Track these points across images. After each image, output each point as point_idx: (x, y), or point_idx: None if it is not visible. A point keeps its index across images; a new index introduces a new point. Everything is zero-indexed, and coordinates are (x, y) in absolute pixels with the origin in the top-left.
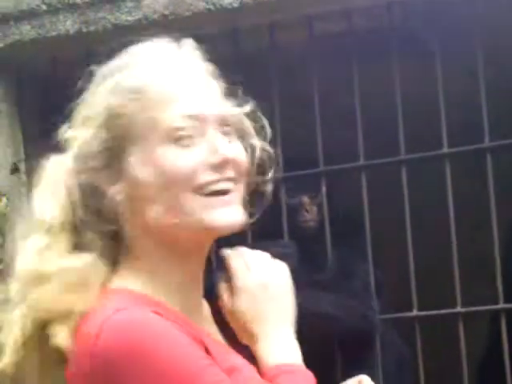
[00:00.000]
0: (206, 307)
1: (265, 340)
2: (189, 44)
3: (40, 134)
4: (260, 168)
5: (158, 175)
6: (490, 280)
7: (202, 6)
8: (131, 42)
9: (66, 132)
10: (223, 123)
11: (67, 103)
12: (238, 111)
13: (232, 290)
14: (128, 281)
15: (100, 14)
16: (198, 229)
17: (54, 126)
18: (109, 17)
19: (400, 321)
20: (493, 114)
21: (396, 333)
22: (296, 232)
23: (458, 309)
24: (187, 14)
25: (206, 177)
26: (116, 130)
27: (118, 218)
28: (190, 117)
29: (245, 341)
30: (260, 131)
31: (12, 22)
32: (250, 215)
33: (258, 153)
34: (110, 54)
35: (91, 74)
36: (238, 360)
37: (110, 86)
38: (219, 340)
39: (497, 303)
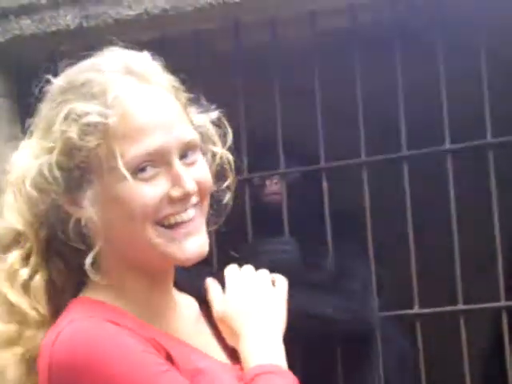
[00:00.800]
0: (192, 308)
1: (248, 340)
2: (147, 59)
3: None
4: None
5: (119, 209)
6: (492, 277)
7: (203, 0)
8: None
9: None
10: (185, 147)
11: None
12: (202, 121)
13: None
14: (91, 291)
15: (101, 9)
16: (162, 260)
17: None
18: (110, 11)
19: (401, 318)
20: (495, 110)
21: (397, 330)
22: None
23: (460, 306)
24: (189, 8)
25: (167, 210)
26: (76, 159)
27: (82, 237)
28: (152, 152)
29: (230, 342)
30: (223, 137)
31: (12, 17)
32: (215, 221)
33: (218, 160)
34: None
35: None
36: (205, 362)
37: (69, 115)
38: (189, 343)
39: (498, 301)
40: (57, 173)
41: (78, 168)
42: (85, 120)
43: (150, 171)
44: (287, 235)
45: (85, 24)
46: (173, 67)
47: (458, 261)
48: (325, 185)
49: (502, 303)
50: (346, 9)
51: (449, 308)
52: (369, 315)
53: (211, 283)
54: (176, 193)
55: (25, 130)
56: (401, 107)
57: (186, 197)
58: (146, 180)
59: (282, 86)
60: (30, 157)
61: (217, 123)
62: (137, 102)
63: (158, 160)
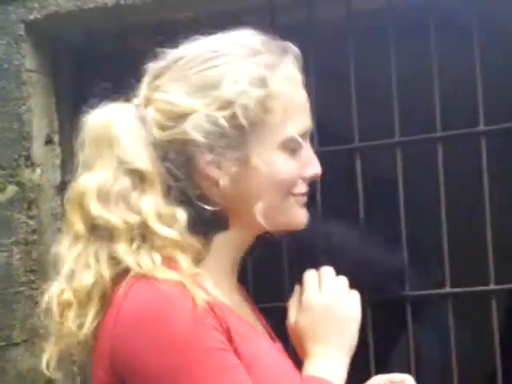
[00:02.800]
0: (243, 291)
1: (315, 360)
2: (294, 52)
3: (74, 107)
4: None
5: (271, 176)
6: None
7: None
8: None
9: (181, 98)
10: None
11: (102, 76)
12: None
13: (300, 304)
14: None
15: None
16: (286, 226)
17: (88, 99)
18: None
19: (432, 297)
20: None
21: (428, 310)
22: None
23: (491, 286)
24: None
25: (303, 188)
26: (242, 120)
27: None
28: (306, 130)
29: (300, 355)
30: None
31: None
32: None
33: None
34: (145, 28)
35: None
36: (263, 344)
37: (247, 75)
38: (250, 322)
39: None
40: (214, 127)
41: (241, 128)
42: (261, 87)
43: (297, 150)
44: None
45: (122, 2)
46: None
47: (489, 241)
48: (358, 164)
49: None
50: None
51: (481, 288)
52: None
53: (314, 272)
54: (310, 174)
55: (59, 104)
56: (435, 90)
57: (315, 179)
58: (293, 156)
59: (318, 65)
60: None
61: None
62: (299, 83)
63: (303, 141)
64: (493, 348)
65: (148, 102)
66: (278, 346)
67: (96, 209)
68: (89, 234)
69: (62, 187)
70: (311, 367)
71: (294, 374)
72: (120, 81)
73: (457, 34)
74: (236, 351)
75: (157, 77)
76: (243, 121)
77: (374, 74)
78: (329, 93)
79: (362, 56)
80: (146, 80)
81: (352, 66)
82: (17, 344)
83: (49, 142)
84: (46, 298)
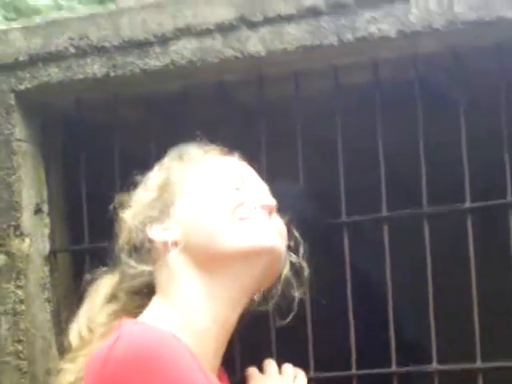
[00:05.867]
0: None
1: None
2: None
3: (63, 176)
4: None
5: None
6: None
7: (229, 53)
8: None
9: None
10: None
11: (91, 146)
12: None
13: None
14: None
15: (128, 59)
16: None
17: (77, 168)
18: (137, 62)
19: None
20: None
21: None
22: None
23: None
24: (214, 60)
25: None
26: None
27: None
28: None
29: None
30: None
31: (40, 64)
32: None
33: None
34: (136, 99)
35: None
36: None
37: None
38: None
39: None
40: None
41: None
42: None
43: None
44: None
45: (112, 73)
46: (197, 116)
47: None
48: (346, 239)
49: None
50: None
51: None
52: None
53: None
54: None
55: (49, 174)
56: (422, 164)
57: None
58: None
59: (305, 139)
60: None
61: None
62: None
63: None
64: None
65: None
66: None
67: None
68: None
69: (51, 257)
70: None
71: None
72: (110, 150)
73: (443, 110)
74: None
75: None
76: None
77: (362, 146)
78: (316, 164)
79: (349, 128)
80: None
81: (339, 138)
82: None
83: (38, 211)
84: None
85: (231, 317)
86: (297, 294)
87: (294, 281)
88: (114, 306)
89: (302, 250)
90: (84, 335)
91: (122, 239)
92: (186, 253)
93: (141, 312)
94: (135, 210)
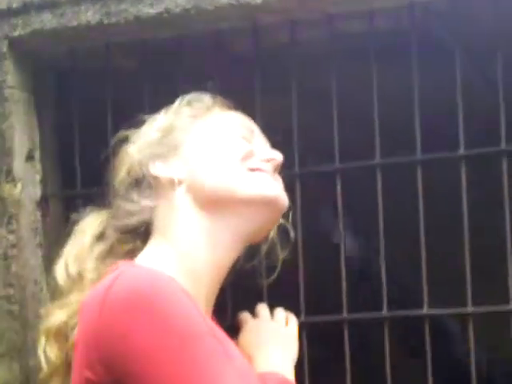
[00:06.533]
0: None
1: (262, 359)
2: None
3: (55, 123)
4: None
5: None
6: None
7: (224, 0)
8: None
9: None
10: None
11: (83, 93)
12: None
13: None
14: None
15: (122, 6)
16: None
17: (70, 116)
18: (131, 9)
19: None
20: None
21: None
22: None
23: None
24: (209, 8)
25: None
26: None
27: None
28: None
29: None
30: None
31: (33, 11)
32: None
33: None
34: (129, 47)
35: None
36: (234, 350)
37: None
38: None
39: None
40: None
41: None
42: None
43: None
44: None
45: (105, 21)
46: (191, 65)
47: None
48: (339, 186)
49: None
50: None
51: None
52: None
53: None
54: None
55: (41, 121)
56: (416, 113)
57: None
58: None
59: (299, 87)
60: None
61: None
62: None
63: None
64: None
65: None
66: None
67: None
68: None
69: (42, 202)
70: (266, 366)
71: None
72: (102, 98)
73: (439, 56)
74: None
75: None
76: None
77: (357, 95)
78: (311, 113)
79: (344, 77)
80: None
81: (334, 86)
82: None
83: (30, 157)
84: None
85: (227, 261)
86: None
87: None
88: (101, 246)
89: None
90: (71, 273)
91: (124, 173)
92: (191, 193)
93: (130, 256)
94: (140, 145)
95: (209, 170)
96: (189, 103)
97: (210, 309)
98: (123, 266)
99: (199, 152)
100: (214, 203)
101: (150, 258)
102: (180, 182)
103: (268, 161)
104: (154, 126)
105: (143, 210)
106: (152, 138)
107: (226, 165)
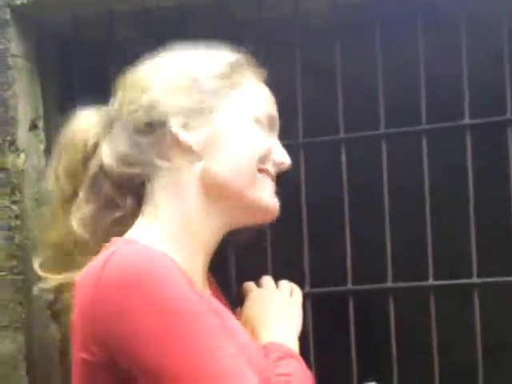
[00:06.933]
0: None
1: (266, 331)
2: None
3: (59, 92)
4: None
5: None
6: None
7: None
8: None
9: None
10: None
11: (86, 62)
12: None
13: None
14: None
15: None
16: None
17: (73, 85)
18: None
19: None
20: None
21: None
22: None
23: (474, 280)
24: None
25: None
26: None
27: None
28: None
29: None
30: None
31: None
32: None
33: None
34: (132, 16)
35: None
36: (234, 323)
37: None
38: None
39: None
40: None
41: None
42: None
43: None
44: None
45: None
46: (191, 34)
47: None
48: (344, 156)
49: None
50: None
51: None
52: None
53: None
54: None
55: (44, 90)
56: (422, 82)
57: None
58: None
59: (304, 58)
60: None
61: None
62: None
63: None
64: None
65: None
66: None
67: None
68: None
69: (46, 172)
70: (270, 338)
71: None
72: (105, 67)
73: (444, 28)
74: None
75: None
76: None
77: (361, 67)
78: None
79: (348, 49)
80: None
81: (338, 58)
82: None
83: (33, 127)
84: None
85: (219, 237)
86: None
87: None
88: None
89: None
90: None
91: (139, 116)
92: (202, 175)
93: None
94: (169, 86)
95: (227, 163)
96: (232, 67)
97: (205, 275)
98: (118, 242)
99: (228, 131)
100: (218, 193)
101: (144, 232)
102: (197, 156)
103: (279, 165)
104: (187, 71)
105: (146, 164)
106: (183, 85)
107: (244, 165)
